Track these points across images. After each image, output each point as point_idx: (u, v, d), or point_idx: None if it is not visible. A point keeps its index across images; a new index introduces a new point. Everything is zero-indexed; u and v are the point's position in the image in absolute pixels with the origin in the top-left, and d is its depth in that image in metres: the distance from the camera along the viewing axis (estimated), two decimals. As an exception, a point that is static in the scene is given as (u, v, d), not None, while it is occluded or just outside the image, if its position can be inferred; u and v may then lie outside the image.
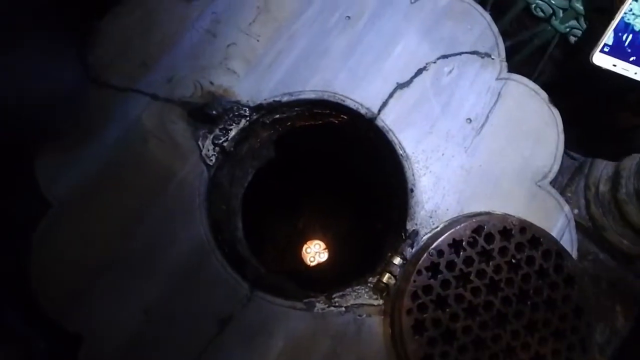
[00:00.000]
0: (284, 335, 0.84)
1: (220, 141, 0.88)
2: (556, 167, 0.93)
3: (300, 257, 1.62)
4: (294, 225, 1.69)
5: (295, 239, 1.66)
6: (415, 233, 0.88)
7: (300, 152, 1.19)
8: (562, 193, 1.10)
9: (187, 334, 0.83)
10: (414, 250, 0.87)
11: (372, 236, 1.28)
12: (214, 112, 0.86)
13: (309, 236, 1.66)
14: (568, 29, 1.04)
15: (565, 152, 1.02)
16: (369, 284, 0.87)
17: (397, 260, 0.86)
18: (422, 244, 0.88)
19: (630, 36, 0.89)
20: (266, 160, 1.19)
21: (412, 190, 0.90)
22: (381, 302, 0.86)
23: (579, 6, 1.00)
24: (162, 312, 0.83)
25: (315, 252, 1.63)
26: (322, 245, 1.63)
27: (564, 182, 1.20)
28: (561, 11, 1.01)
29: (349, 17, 0.94)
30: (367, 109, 0.91)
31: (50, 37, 0.83)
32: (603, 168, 1.15)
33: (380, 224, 1.08)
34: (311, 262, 1.62)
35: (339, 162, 1.29)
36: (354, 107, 0.91)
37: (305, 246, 1.64)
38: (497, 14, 0.96)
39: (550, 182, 0.93)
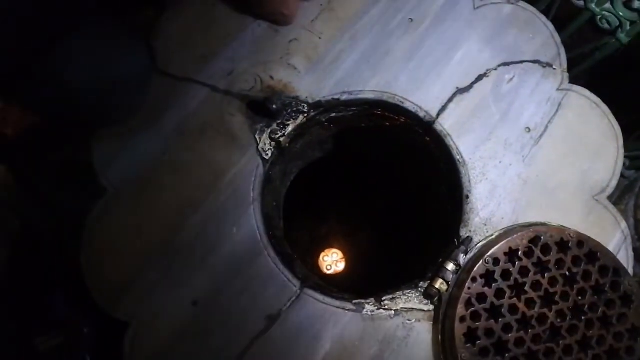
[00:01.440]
0: (332, 336, 0.83)
1: (277, 136, 0.88)
2: (614, 182, 0.91)
3: (317, 265, 1.61)
4: (316, 232, 1.68)
5: (317, 246, 1.65)
6: (470, 240, 0.87)
7: (347, 155, 1.19)
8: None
9: (235, 328, 0.82)
10: (467, 257, 0.86)
11: (408, 245, 1.27)
12: (273, 106, 0.86)
13: (329, 244, 1.65)
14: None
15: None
16: (419, 289, 0.86)
17: (450, 267, 0.85)
18: (476, 251, 0.86)
19: None
20: (310, 162, 1.19)
21: (467, 197, 0.88)
22: (431, 307, 0.85)
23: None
24: (211, 304, 0.82)
25: (332, 261, 1.62)
26: (340, 254, 1.62)
27: (612, 200, 1.18)
28: (628, 23, 0.99)
29: (411, 19, 0.93)
30: (426, 112, 0.90)
31: (112, 24, 0.83)
32: (655, 187, 1.13)
33: (424, 231, 1.07)
34: (327, 270, 1.61)
35: (382, 168, 1.28)
36: (413, 110, 0.90)
37: (322, 254, 1.63)
38: (559, 25, 0.95)
39: (608, 198, 0.91)
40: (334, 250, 1.64)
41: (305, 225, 1.67)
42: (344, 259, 1.62)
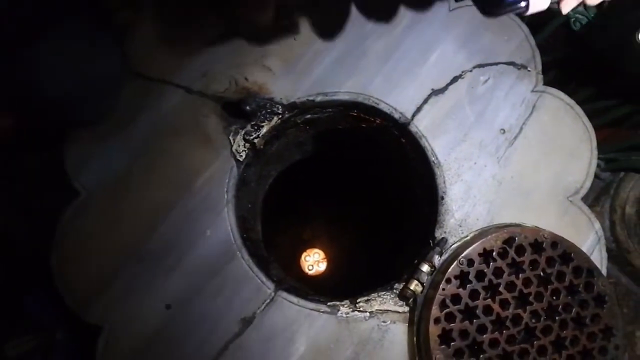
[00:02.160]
0: (306, 338, 0.83)
1: (252, 137, 0.88)
2: (588, 183, 0.92)
3: (299, 265, 1.61)
4: (299, 233, 1.68)
5: (298, 248, 1.65)
6: (445, 241, 0.87)
7: (323, 158, 1.19)
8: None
9: (209, 331, 0.81)
10: (442, 258, 0.86)
11: (387, 246, 1.27)
12: (247, 107, 0.86)
13: (311, 245, 1.64)
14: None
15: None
16: (394, 290, 0.86)
17: (425, 268, 0.84)
18: (451, 252, 0.86)
19: None
20: (289, 164, 1.18)
21: (442, 198, 0.88)
22: (406, 309, 0.85)
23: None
24: (184, 308, 0.82)
25: (314, 261, 1.61)
26: (322, 254, 1.61)
27: (588, 202, 1.19)
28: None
29: (387, 21, 0.93)
30: (401, 113, 0.90)
31: (86, 25, 0.83)
32: (630, 189, 1.14)
33: (402, 232, 1.07)
34: (309, 270, 1.60)
35: (361, 170, 1.28)
36: (388, 111, 0.90)
37: (304, 254, 1.62)
38: (534, 28, 0.95)
39: (582, 199, 0.92)
40: (316, 250, 1.64)
41: (287, 228, 1.67)
42: (325, 259, 1.61)
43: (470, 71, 0.93)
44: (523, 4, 0.43)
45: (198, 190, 0.85)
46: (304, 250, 1.63)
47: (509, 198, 0.89)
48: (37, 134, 0.92)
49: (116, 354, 0.80)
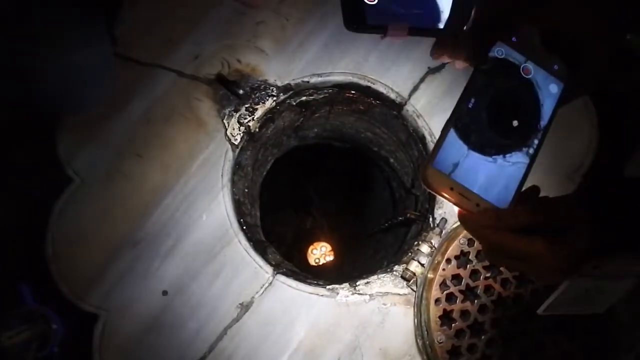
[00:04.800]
0: (306, 322, 0.82)
1: (246, 120, 0.86)
2: (588, 160, 0.90)
3: (305, 257, 1.59)
4: (302, 223, 1.67)
5: (302, 238, 1.63)
6: (444, 221, 0.85)
7: (322, 143, 1.17)
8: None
9: (206, 317, 0.80)
10: (442, 239, 0.85)
11: (389, 229, 1.26)
12: (241, 90, 0.84)
13: (316, 237, 1.63)
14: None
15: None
16: (394, 272, 0.84)
17: (425, 249, 0.83)
18: (451, 232, 0.85)
19: None
20: (286, 150, 1.17)
21: (441, 178, 0.87)
22: (407, 291, 0.84)
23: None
24: (181, 294, 0.81)
25: (321, 254, 1.60)
26: (329, 247, 1.60)
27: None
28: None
29: (381, -1, 0.91)
30: (397, 93, 0.89)
31: (75, 10, 0.81)
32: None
33: (402, 214, 1.05)
34: (316, 263, 1.59)
35: (359, 153, 1.26)
36: (384, 91, 0.89)
37: (311, 247, 1.61)
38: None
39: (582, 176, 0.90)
40: (322, 243, 1.62)
41: (292, 218, 1.66)
42: (332, 252, 1.60)
43: (467, 48, 0.91)
44: (381, 35, 0.44)
45: (193, 175, 0.84)
46: (310, 242, 1.61)
47: (508, 176, 0.88)
48: (28, 123, 0.91)
49: (113, 341, 0.79)
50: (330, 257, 1.59)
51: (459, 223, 0.85)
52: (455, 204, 0.44)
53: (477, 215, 0.44)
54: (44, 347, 0.81)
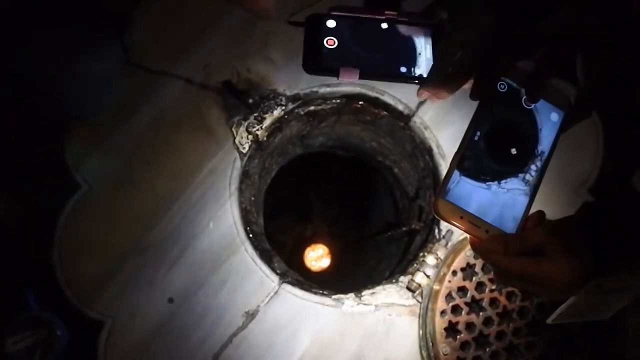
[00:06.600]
0: (311, 332, 0.82)
1: (255, 129, 0.87)
2: (595, 175, 0.91)
3: (302, 261, 1.59)
4: (303, 230, 1.67)
5: (302, 245, 1.63)
6: (450, 233, 0.86)
7: (326, 151, 1.18)
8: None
9: (212, 325, 0.80)
10: (448, 250, 0.85)
11: (392, 239, 1.26)
12: (250, 99, 0.85)
13: (314, 241, 1.63)
14: None
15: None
16: (400, 283, 0.84)
17: (431, 260, 0.84)
18: (457, 244, 0.85)
19: None
20: (291, 158, 1.17)
21: (448, 190, 0.87)
22: (412, 302, 0.84)
23: None
24: (187, 301, 0.81)
25: (317, 256, 1.59)
26: (325, 250, 1.59)
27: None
28: None
29: (390, 10, 0.92)
30: (405, 104, 0.89)
31: (88, 18, 0.82)
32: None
33: (407, 225, 1.06)
34: (313, 266, 1.58)
35: (363, 162, 1.27)
36: (392, 103, 0.89)
37: (308, 249, 1.61)
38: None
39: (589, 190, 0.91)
40: (319, 245, 1.62)
41: (292, 224, 1.65)
42: (329, 254, 1.59)
43: (475, 61, 0.91)
44: (335, 78, 0.48)
45: (201, 183, 0.84)
46: (308, 245, 1.61)
47: (515, 189, 0.88)
48: (36, 129, 0.91)
49: (118, 349, 0.79)
50: (327, 260, 1.58)
51: (464, 235, 0.86)
52: (465, 231, 0.47)
53: (486, 242, 0.47)
54: (49, 353, 0.81)
